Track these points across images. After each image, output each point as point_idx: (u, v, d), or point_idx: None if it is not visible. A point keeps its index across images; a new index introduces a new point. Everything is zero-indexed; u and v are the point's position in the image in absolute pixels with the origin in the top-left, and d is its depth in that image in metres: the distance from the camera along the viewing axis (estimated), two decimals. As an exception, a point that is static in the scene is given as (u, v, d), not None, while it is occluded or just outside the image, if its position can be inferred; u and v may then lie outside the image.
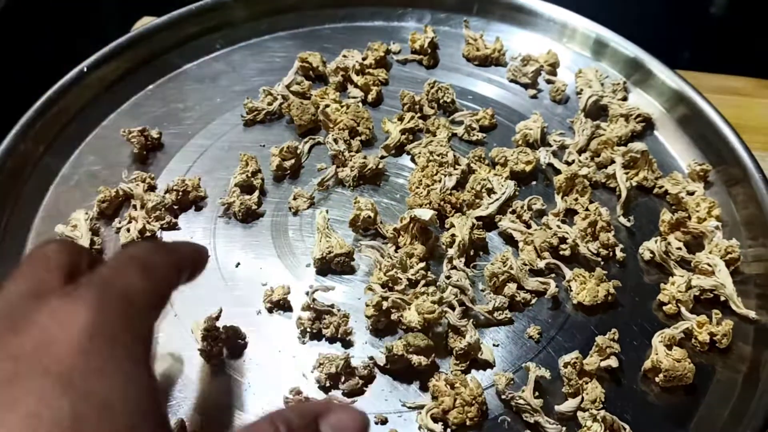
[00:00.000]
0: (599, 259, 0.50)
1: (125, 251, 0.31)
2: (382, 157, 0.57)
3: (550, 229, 0.51)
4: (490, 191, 0.53)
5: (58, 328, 0.26)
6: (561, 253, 0.50)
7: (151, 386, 0.27)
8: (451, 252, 0.49)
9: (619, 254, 0.51)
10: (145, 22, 0.67)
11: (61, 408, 0.24)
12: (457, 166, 0.55)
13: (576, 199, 0.54)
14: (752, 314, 0.47)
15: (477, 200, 0.53)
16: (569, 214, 0.53)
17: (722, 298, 0.48)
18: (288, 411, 0.30)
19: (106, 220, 0.52)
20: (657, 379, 0.44)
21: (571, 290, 0.48)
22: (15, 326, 0.26)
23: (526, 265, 0.49)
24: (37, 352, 0.25)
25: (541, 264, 0.49)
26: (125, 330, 0.27)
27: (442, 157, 0.55)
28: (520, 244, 0.51)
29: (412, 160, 0.57)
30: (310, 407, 0.32)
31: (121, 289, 0.28)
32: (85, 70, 0.60)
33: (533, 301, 0.48)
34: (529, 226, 0.52)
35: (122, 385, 0.26)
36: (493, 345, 0.46)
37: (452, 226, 0.51)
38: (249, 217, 0.53)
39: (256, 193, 0.53)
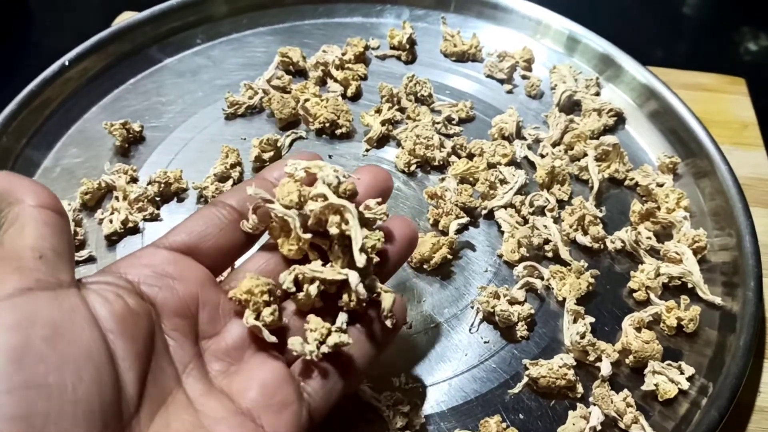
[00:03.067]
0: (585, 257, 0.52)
1: None
2: (366, 150, 0.58)
3: (537, 230, 0.52)
4: (503, 182, 0.55)
5: None
6: (545, 254, 0.51)
7: None
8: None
9: (611, 245, 0.52)
10: (126, 17, 0.68)
11: None
12: (442, 149, 0.56)
13: (559, 189, 0.55)
14: (718, 300, 0.49)
15: (492, 191, 0.54)
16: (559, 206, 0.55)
17: (689, 285, 0.50)
18: None
19: (88, 212, 0.53)
20: (627, 361, 0.46)
21: (553, 288, 0.49)
22: None
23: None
24: None
25: (516, 258, 0.51)
26: None
27: (428, 140, 0.56)
28: (505, 235, 0.52)
29: (398, 144, 0.58)
30: None
31: None
32: (67, 63, 0.60)
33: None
34: (526, 222, 0.53)
35: None
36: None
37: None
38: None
39: (230, 182, 0.54)
